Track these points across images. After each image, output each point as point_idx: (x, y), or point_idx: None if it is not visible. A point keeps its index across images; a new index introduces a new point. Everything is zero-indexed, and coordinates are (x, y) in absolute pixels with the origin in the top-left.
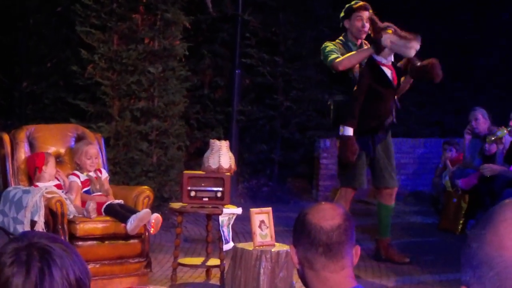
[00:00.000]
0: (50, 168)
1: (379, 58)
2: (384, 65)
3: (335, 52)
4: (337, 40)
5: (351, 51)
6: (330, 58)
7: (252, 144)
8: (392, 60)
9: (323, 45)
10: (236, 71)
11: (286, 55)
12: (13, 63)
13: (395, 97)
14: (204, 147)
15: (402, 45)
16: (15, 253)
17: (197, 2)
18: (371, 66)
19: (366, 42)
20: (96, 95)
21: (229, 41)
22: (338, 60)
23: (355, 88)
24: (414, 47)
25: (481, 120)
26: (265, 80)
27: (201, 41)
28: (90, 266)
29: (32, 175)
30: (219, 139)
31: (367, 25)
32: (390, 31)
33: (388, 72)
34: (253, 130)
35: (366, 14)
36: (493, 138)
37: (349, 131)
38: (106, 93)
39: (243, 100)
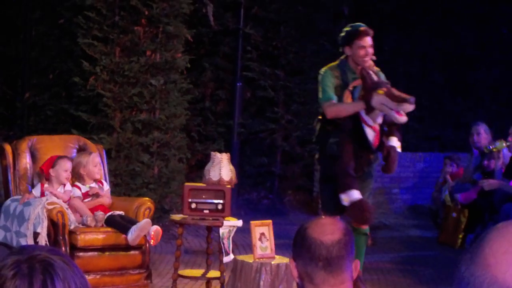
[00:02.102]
0: (57, 172)
1: (366, 117)
2: (369, 126)
3: (331, 89)
4: (336, 64)
5: (349, 82)
6: (323, 98)
7: (253, 156)
8: (381, 122)
9: (322, 73)
10: (237, 84)
11: (287, 68)
12: (15, 74)
13: (371, 156)
14: (205, 160)
15: (393, 107)
16: (17, 265)
17: (199, 16)
18: (354, 122)
19: (373, 70)
20: (97, 107)
21: (231, 54)
22: (329, 106)
23: (340, 147)
24: (406, 109)
25: (483, 135)
26: (266, 93)
27: (203, 54)
28: (91, 277)
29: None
30: (220, 151)
31: (371, 51)
32: (381, 92)
33: (371, 134)
34: (253, 143)
35: (369, 41)
36: (491, 147)
37: (357, 194)
38: (108, 104)
39: (244, 113)
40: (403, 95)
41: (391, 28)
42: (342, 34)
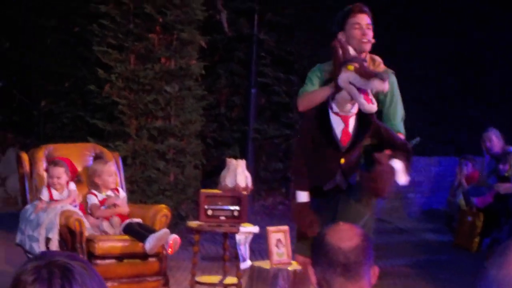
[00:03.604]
0: (59, 180)
1: (331, 103)
2: (337, 114)
3: (311, 83)
4: (326, 63)
5: None
6: (299, 91)
7: (268, 162)
8: (354, 111)
9: (311, 70)
10: (252, 90)
11: (302, 73)
12: (31, 82)
13: (342, 160)
14: (220, 166)
15: (361, 86)
16: (36, 271)
17: (213, 22)
18: (319, 112)
19: (374, 58)
20: (113, 114)
21: (245, 60)
22: (300, 98)
23: (297, 138)
24: (376, 87)
25: (494, 141)
26: (281, 98)
27: (217, 60)
28: (109, 285)
29: None
30: (235, 157)
31: (370, 33)
32: (351, 68)
33: (339, 126)
34: (268, 148)
35: (365, 19)
36: None
37: (301, 196)
38: (123, 112)
39: (259, 119)
40: (374, 71)
41: (405, 32)
42: (333, 21)
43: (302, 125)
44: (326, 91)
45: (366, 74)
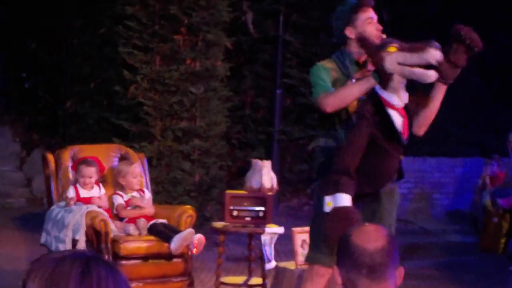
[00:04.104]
0: (91, 179)
1: (387, 96)
2: (393, 107)
3: (324, 81)
4: (328, 60)
5: (350, 75)
6: (316, 92)
7: (293, 163)
8: (407, 100)
9: (311, 69)
10: (277, 91)
11: None
12: (57, 83)
13: (401, 156)
14: (245, 167)
15: (417, 61)
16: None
17: (239, 24)
18: (376, 108)
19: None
20: (138, 115)
21: (270, 62)
22: (325, 97)
23: (350, 134)
24: (435, 57)
25: None
26: (306, 100)
27: (243, 61)
28: (134, 285)
29: None
30: (260, 158)
31: (380, 27)
32: (393, 49)
33: (399, 120)
34: (293, 149)
35: (373, 13)
36: None
37: (345, 200)
38: (149, 113)
39: (284, 120)
40: (420, 43)
41: (431, 33)
42: (336, 16)
43: (362, 124)
44: (365, 85)
45: (416, 48)
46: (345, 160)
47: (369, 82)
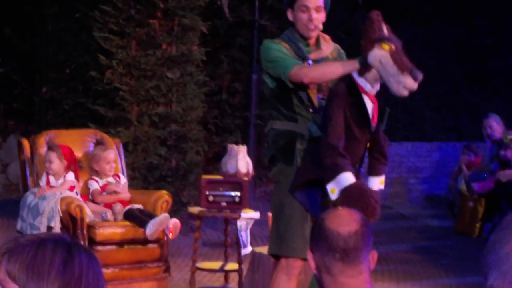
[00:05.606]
0: (50, 164)
1: (361, 81)
2: (366, 93)
3: (289, 55)
4: (279, 40)
5: (305, 56)
6: (283, 68)
7: None
8: (378, 88)
9: (264, 45)
10: (253, 76)
11: None
12: (33, 69)
13: (368, 144)
14: (222, 152)
15: (391, 74)
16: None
17: (214, 8)
18: (350, 90)
19: (324, 36)
20: (114, 101)
21: (247, 46)
22: (301, 69)
23: (327, 116)
24: (406, 86)
25: (495, 126)
26: None
27: (219, 46)
28: (109, 271)
29: None
30: (237, 143)
31: (318, 16)
32: (387, 47)
33: (370, 105)
34: None
35: (316, 1)
36: (510, 137)
37: (348, 178)
38: (125, 98)
39: (261, 105)
40: (410, 64)
41: (406, 19)
42: None
43: (337, 103)
44: (347, 67)
45: (401, 64)
46: (331, 142)
47: (354, 65)
